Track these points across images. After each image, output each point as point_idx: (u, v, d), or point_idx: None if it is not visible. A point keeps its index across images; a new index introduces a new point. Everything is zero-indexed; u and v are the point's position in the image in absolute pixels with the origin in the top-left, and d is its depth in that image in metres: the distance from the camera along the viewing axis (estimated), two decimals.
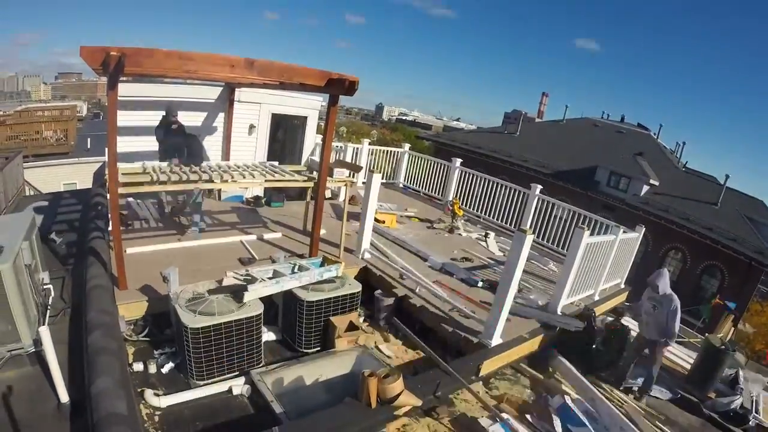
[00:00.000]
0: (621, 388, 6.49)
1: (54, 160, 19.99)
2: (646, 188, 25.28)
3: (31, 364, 4.22)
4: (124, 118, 6.50)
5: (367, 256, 7.68)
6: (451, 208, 11.09)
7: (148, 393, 4.37)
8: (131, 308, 5.34)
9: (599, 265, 7.75)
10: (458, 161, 12.35)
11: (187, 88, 8.63)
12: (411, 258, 8.03)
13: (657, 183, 25.34)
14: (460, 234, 10.27)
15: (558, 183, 26.10)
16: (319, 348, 5.66)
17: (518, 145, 30.72)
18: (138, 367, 4.74)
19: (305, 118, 10.52)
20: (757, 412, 6.46)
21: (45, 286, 4.99)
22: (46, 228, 7.42)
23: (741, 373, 7.35)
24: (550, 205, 10.19)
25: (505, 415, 4.83)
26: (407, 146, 14.12)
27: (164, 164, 6.88)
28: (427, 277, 7.17)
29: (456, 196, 12.15)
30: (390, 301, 6.57)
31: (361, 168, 10.10)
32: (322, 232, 7.61)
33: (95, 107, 37.58)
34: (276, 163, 8.10)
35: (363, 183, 8.47)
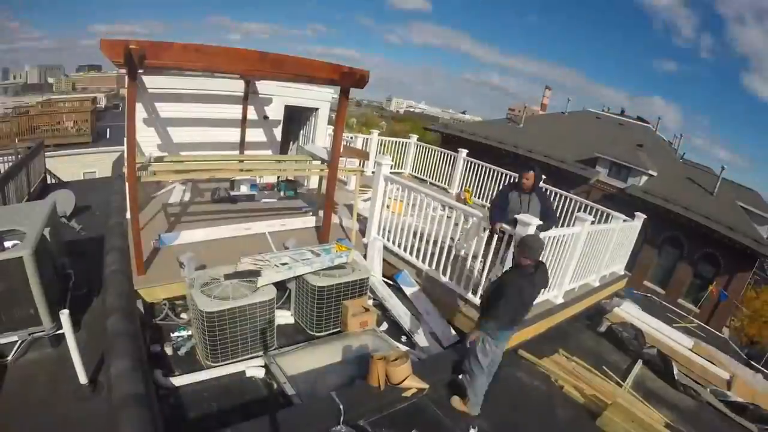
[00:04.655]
0: None
1: (74, 149, 20.31)
2: (645, 178, 25.46)
3: (52, 347, 4.37)
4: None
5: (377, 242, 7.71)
6: (463, 197, 11.35)
7: (165, 374, 4.52)
8: (149, 293, 5.51)
9: (600, 253, 7.89)
10: (464, 152, 12.67)
11: (207, 81, 8.65)
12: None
13: (655, 173, 25.48)
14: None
15: (561, 173, 26.13)
16: (330, 331, 5.81)
17: (523, 136, 30.67)
18: (155, 349, 4.87)
19: (317, 109, 10.65)
20: None
21: (66, 272, 5.13)
22: (66, 215, 7.62)
23: None
24: (552, 194, 10.30)
25: None
26: (415, 137, 14.32)
27: None
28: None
29: (462, 184, 12.50)
30: None
31: (368, 154, 10.34)
32: (333, 219, 7.73)
33: (114, 99, 37.68)
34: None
35: (372, 173, 8.57)
